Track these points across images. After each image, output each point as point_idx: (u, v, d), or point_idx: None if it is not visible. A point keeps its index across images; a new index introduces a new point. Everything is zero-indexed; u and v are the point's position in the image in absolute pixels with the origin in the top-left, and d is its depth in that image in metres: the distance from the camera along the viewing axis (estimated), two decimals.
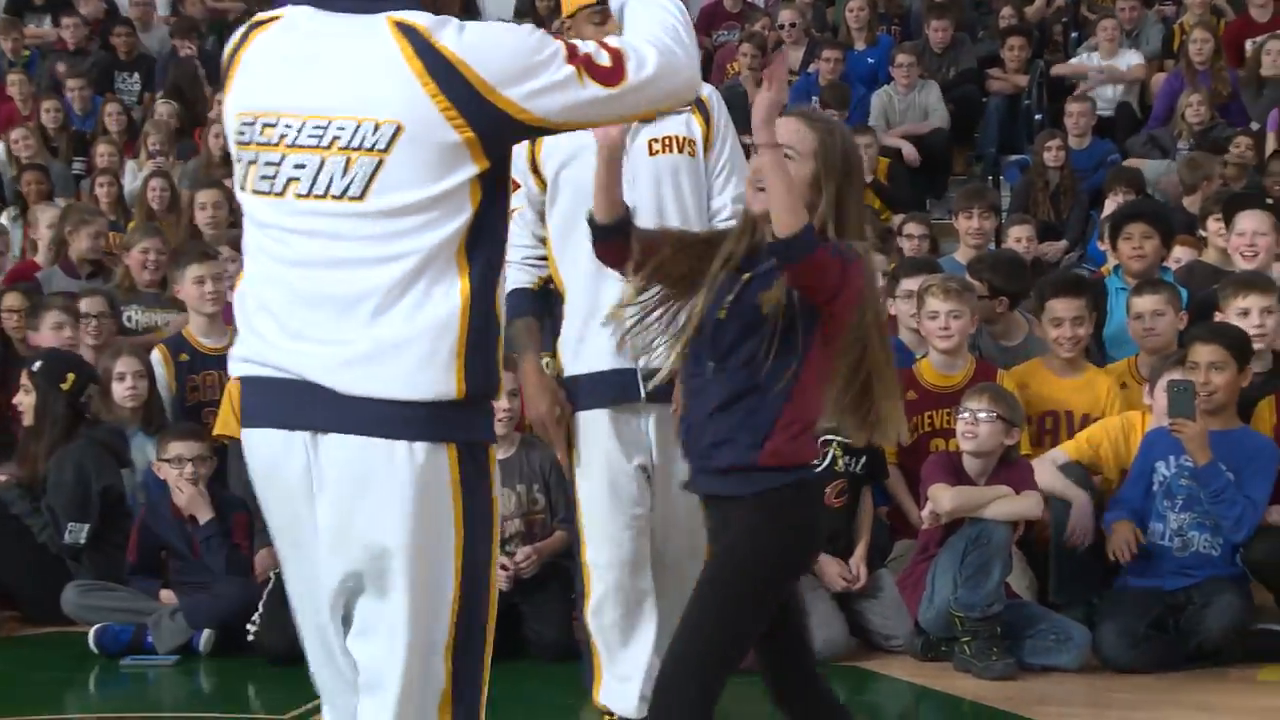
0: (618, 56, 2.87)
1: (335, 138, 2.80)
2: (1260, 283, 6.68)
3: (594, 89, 2.84)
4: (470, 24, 2.84)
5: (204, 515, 6.48)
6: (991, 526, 5.78)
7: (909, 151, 11.36)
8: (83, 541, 6.71)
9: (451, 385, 2.82)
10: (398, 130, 2.77)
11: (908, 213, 9.80)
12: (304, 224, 2.85)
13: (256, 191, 2.90)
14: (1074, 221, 10.32)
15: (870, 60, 12.46)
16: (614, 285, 4.03)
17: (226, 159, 11.32)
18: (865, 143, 10.63)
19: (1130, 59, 11.92)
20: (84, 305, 7.73)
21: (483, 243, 2.85)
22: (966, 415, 5.96)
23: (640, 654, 4.71)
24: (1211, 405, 5.95)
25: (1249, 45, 11.64)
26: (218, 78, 13.42)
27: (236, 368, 2.98)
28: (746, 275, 3.65)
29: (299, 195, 2.83)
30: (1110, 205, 9.16)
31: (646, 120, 3.29)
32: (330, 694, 3.12)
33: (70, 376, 6.91)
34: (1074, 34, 13.03)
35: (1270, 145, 10.53)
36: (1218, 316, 6.51)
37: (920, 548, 6.14)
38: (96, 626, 6.42)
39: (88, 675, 6.31)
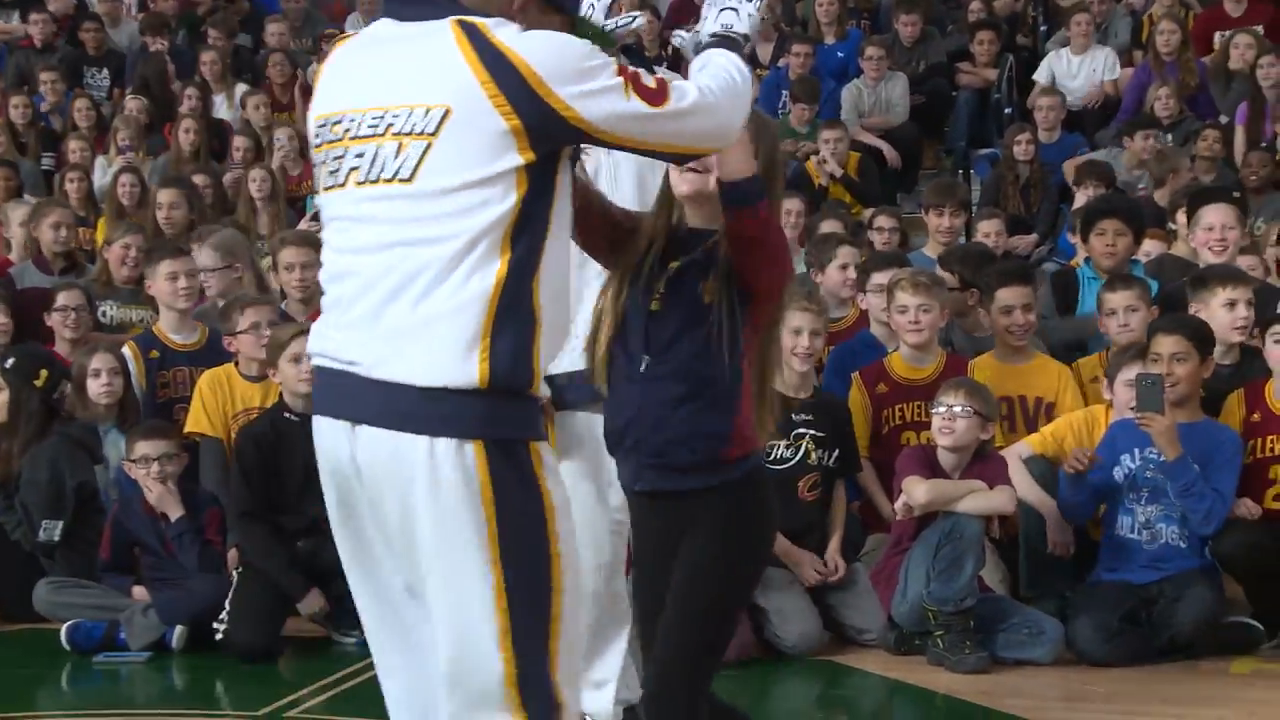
0: (662, 83, 3.03)
1: (390, 124, 2.96)
2: (1242, 275, 6.75)
3: (637, 104, 2.97)
4: (531, 30, 3.00)
5: (174, 513, 6.47)
6: (965, 520, 5.81)
7: (890, 154, 11.41)
8: (57, 539, 6.69)
9: (473, 372, 2.90)
10: (446, 114, 2.92)
11: (877, 206, 9.83)
12: (362, 210, 3.01)
13: (326, 188, 3.08)
14: (1044, 215, 10.37)
15: (840, 54, 12.48)
16: (596, 281, 4.02)
17: (196, 155, 11.35)
18: (836, 136, 10.68)
19: (1103, 56, 11.96)
20: (61, 298, 7.71)
21: (526, 234, 2.95)
22: (943, 410, 5.98)
23: (614, 659, 4.71)
24: (1174, 396, 5.98)
25: (1218, 38, 11.70)
26: (187, 73, 13.43)
27: (314, 361, 3.13)
28: (675, 264, 3.60)
29: (358, 183, 3.00)
30: (1080, 198, 9.21)
31: (679, 160, 3.32)
32: (390, 672, 3.21)
33: (43, 373, 6.89)
34: (1043, 28, 13.06)
35: (1239, 139, 10.58)
36: (1194, 308, 6.55)
37: (893, 542, 6.17)
38: (69, 623, 6.42)
39: (60, 672, 6.32)
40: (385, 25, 3.10)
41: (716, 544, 3.63)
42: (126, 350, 7.27)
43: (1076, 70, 11.96)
